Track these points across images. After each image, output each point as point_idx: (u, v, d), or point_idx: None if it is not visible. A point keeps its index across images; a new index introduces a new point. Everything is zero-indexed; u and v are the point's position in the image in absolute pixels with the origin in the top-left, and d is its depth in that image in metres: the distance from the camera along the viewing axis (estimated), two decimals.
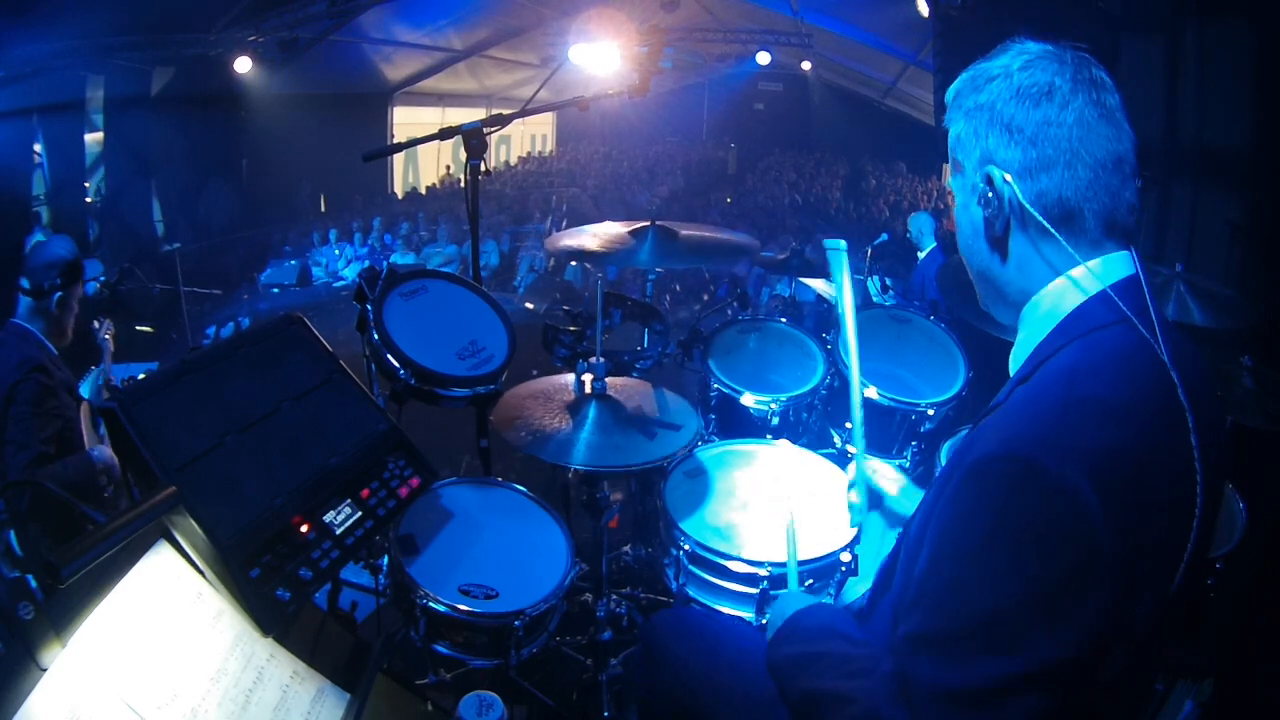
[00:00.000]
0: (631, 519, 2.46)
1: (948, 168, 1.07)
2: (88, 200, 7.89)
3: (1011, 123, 0.93)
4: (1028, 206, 0.93)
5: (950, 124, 1.02)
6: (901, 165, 13.35)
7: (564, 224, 8.89)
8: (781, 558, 1.72)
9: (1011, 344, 1.06)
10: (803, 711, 1.04)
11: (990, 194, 0.96)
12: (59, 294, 2.30)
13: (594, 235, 2.22)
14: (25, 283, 2.29)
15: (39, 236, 2.48)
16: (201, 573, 1.15)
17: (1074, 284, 0.94)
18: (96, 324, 2.54)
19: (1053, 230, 0.92)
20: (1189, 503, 0.85)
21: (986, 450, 0.85)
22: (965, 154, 0.99)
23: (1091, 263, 0.93)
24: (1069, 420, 0.83)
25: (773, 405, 2.31)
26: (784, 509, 1.72)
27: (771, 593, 1.70)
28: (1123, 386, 0.85)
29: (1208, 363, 0.96)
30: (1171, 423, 0.86)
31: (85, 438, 2.35)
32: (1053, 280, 0.96)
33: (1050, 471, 0.80)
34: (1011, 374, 1.01)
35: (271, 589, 1.18)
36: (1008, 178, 0.93)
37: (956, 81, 1.01)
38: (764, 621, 1.75)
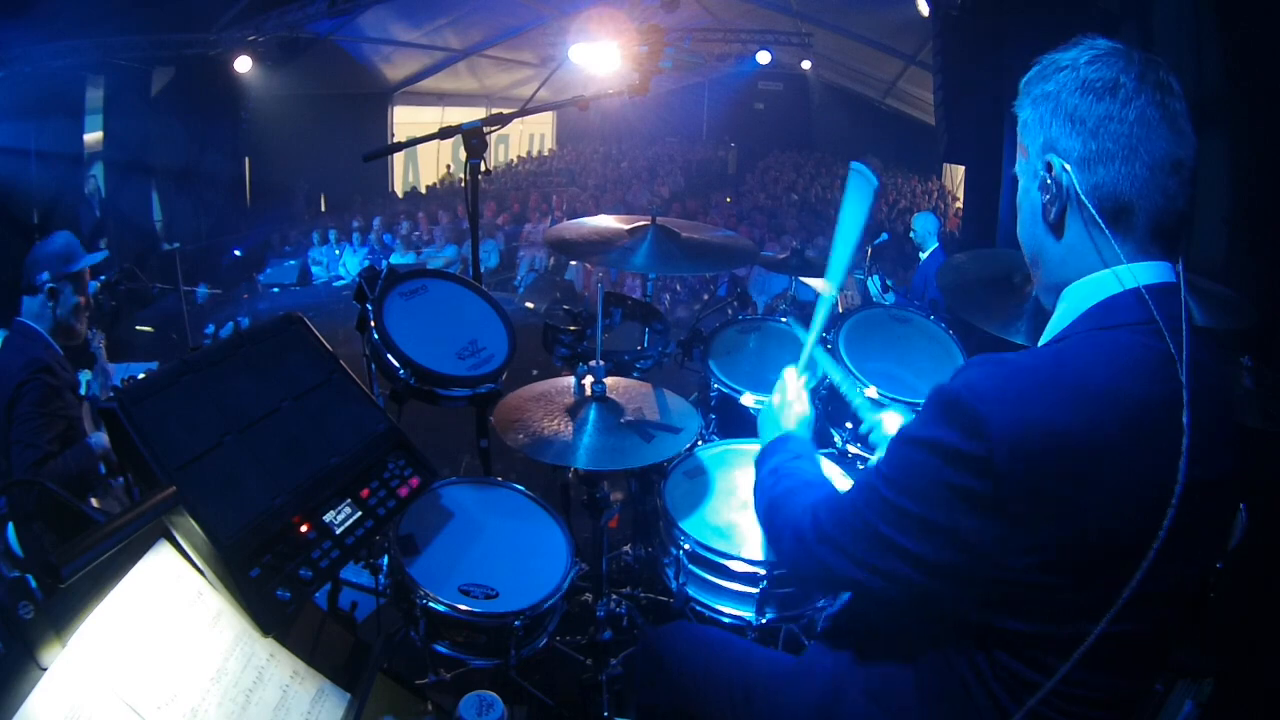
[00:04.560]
0: (631, 519, 2.46)
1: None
2: (88, 201, 7.88)
3: (1075, 113, 0.94)
4: (1082, 196, 0.95)
5: (1019, 109, 1.03)
6: (885, 163, 13.35)
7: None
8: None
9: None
10: (768, 518, 1.24)
11: (1049, 179, 0.98)
12: (58, 286, 2.31)
13: (594, 229, 2.21)
14: (28, 279, 2.30)
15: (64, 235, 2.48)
16: (201, 573, 1.15)
17: (1112, 278, 0.96)
18: (90, 334, 2.55)
19: (1101, 222, 0.94)
20: (1153, 507, 0.86)
21: (946, 382, 0.95)
22: (1031, 139, 1.01)
23: (1134, 264, 0.94)
24: (1024, 388, 0.89)
25: None
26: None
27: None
28: (1100, 379, 0.89)
29: (1224, 379, 0.98)
30: (1155, 428, 0.88)
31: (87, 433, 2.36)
32: (1094, 272, 0.98)
33: (977, 417, 0.88)
34: None
35: (271, 589, 1.18)
36: (1066, 166, 0.95)
37: (1031, 70, 1.03)
38: (764, 621, 1.74)
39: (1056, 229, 1.00)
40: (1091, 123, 0.93)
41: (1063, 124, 0.95)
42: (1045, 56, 1.00)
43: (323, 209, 10.86)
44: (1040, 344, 1.04)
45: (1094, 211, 0.94)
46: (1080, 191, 0.95)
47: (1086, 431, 0.87)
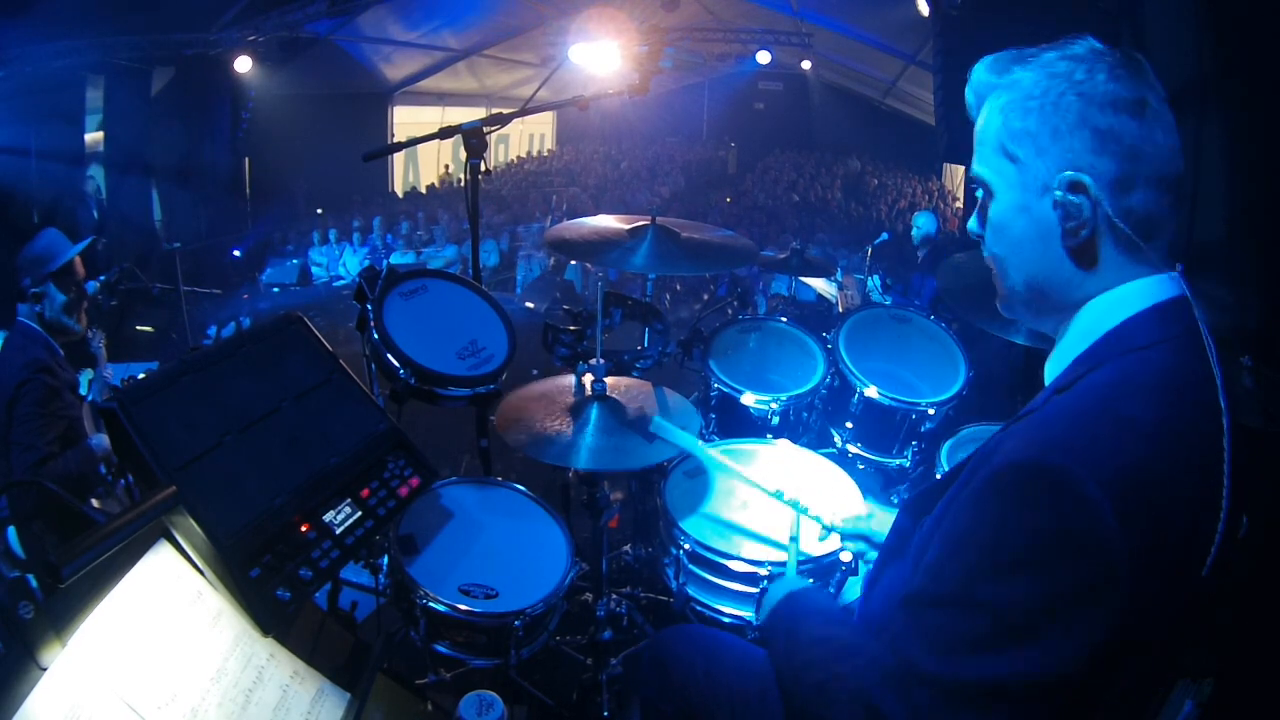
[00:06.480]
0: (631, 519, 2.46)
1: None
2: (88, 201, 7.87)
3: (1109, 131, 0.88)
4: (1116, 220, 0.89)
5: (1006, 112, 0.95)
6: (885, 163, 13.37)
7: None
8: (780, 557, 1.72)
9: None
10: (803, 699, 1.05)
11: (1074, 201, 0.90)
12: (40, 289, 2.31)
13: (594, 229, 2.21)
14: (19, 282, 2.30)
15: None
16: (201, 573, 1.15)
17: (1126, 298, 0.92)
18: (90, 334, 2.55)
19: (1142, 244, 0.90)
20: (1210, 526, 0.84)
21: (1014, 455, 0.84)
22: (1038, 149, 0.92)
23: (1150, 279, 0.92)
24: (1101, 435, 0.82)
25: (773, 405, 2.31)
26: (788, 495, 1.72)
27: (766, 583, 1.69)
28: (1163, 408, 0.84)
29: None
30: (1207, 446, 0.85)
31: (88, 433, 2.36)
32: (1109, 292, 0.93)
33: (1072, 482, 0.79)
34: (1047, 383, 0.99)
35: (271, 589, 1.18)
36: (1098, 188, 0.90)
37: (1006, 65, 0.96)
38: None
39: (1079, 253, 0.93)
40: (1129, 142, 0.87)
41: (1090, 139, 0.88)
42: (1036, 56, 0.94)
43: (322, 209, 10.83)
44: (1053, 375, 0.98)
45: (1131, 234, 0.89)
46: (1113, 215, 0.89)
47: (1156, 468, 0.82)
